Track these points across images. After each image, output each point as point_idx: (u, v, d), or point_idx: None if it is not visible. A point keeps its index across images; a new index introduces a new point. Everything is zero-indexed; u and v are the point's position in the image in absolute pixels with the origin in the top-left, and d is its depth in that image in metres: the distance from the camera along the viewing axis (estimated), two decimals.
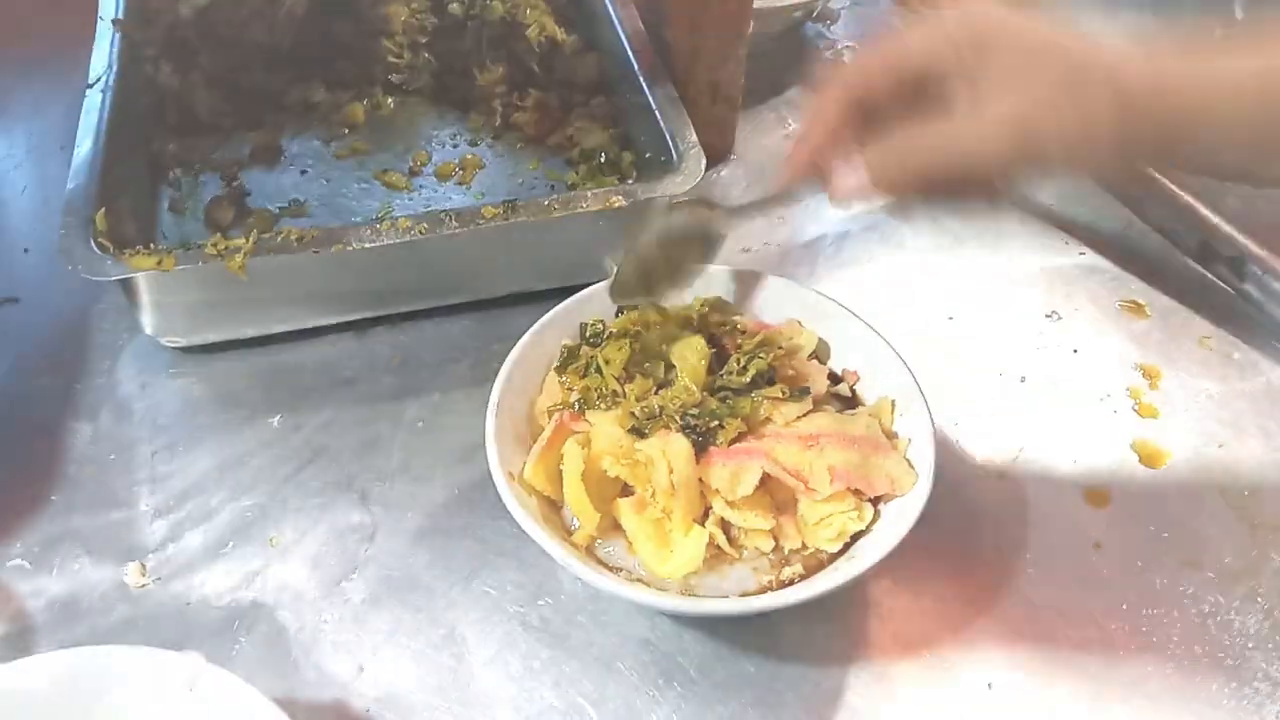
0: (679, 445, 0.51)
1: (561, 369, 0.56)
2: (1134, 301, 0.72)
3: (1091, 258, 0.75)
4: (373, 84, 0.84)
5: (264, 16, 0.82)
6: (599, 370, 0.54)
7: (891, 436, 0.54)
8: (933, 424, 0.53)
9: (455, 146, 0.82)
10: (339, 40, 0.84)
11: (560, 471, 0.52)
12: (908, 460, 0.53)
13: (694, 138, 0.68)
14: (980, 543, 0.59)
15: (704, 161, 0.66)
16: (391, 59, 0.84)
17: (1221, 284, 0.71)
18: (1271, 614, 0.57)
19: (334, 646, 0.54)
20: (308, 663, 0.53)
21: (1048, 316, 0.71)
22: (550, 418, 0.54)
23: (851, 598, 0.56)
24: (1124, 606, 0.57)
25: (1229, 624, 0.56)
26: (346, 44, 0.84)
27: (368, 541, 0.58)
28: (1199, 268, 0.72)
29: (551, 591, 0.56)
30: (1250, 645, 0.55)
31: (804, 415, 0.54)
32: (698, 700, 0.53)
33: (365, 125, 0.83)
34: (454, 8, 0.85)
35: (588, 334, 0.58)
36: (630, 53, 0.76)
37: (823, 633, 0.55)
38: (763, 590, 0.50)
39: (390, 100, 0.85)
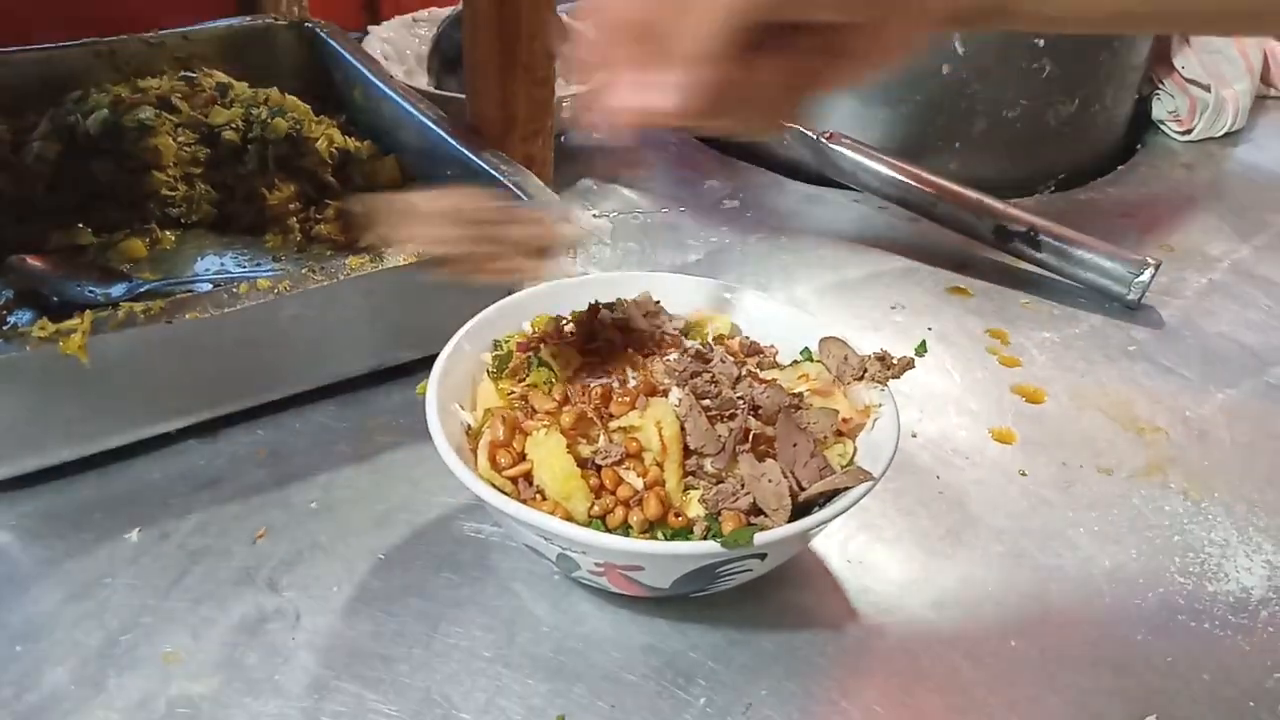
0: (660, 406, 0.47)
1: (497, 376, 0.51)
2: (957, 286, 0.78)
3: (906, 261, 0.81)
4: (146, 220, 0.77)
5: (9, 166, 0.74)
6: (544, 365, 0.50)
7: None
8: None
9: (257, 265, 0.76)
10: (100, 180, 0.77)
11: (515, 466, 0.47)
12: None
13: (537, 180, 0.67)
14: (928, 493, 0.59)
15: (555, 195, 0.66)
16: (166, 192, 0.78)
17: (1019, 260, 0.79)
18: (1189, 494, 0.60)
19: None
20: None
21: (893, 308, 0.75)
22: (496, 416, 0.48)
23: (829, 562, 0.54)
24: (1069, 513, 0.58)
25: (1159, 510, 0.59)
26: (109, 183, 0.77)
27: (291, 627, 0.48)
28: (997, 251, 0.80)
29: (527, 625, 0.49)
30: (1184, 522, 0.58)
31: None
32: (728, 688, 0.47)
33: (149, 260, 0.75)
34: (229, 135, 0.80)
35: (510, 345, 0.53)
36: (447, 137, 0.74)
37: (818, 595, 0.52)
38: None
39: (170, 235, 0.77)
